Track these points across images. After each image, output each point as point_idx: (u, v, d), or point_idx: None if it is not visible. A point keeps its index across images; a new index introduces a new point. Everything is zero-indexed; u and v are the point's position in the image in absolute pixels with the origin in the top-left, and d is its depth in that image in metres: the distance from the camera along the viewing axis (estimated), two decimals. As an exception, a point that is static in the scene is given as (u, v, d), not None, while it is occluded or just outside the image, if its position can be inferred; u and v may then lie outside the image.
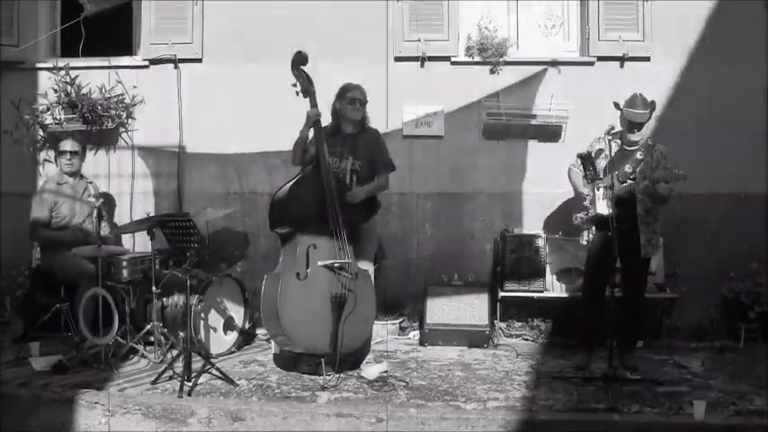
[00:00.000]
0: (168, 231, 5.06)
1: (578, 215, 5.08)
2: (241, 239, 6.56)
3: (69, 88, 6.33)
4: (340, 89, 5.10)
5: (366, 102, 5.10)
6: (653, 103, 4.94)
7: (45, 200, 5.65)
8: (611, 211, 4.66)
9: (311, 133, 4.94)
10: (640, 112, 4.88)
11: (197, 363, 4.64)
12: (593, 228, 5.01)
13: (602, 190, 4.84)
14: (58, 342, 5.36)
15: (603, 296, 4.98)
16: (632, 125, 4.91)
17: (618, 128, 5.04)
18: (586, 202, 4.99)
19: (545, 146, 6.32)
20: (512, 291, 5.87)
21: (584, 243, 5.11)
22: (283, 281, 4.65)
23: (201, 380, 4.60)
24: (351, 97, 5.04)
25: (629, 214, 4.82)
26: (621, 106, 4.94)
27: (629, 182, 4.86)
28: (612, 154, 4.94)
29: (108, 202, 6.35)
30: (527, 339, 6.00)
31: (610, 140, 4.96)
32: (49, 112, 6.39)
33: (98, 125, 6.36)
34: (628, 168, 4.89)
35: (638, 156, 4.93)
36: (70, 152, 5.75)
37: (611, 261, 4.78)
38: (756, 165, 6.12)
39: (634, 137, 4.94)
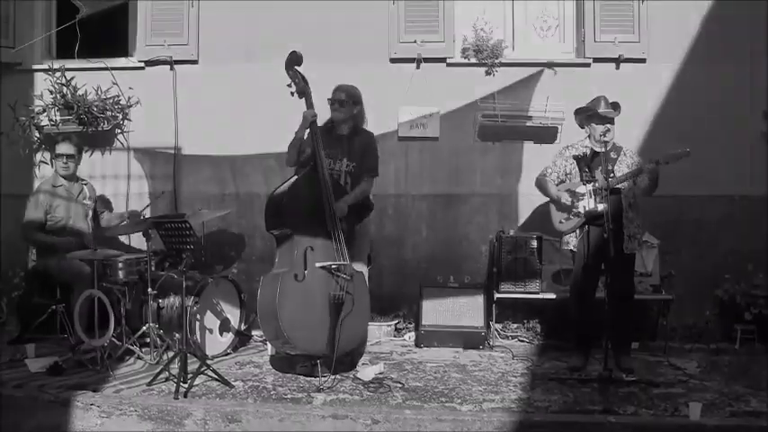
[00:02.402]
0: (164, 233, 5.05)
1: (561, 218, 5.11)
2: (237, 241, 6.56)
3: (65, 90, 6.34)
4: None
5: (347, 102, 5.05)
6: (617, 103, 5.03)
7: (40, 201, 5.61)
8: (606, 207, 4.70)
9: (306, 134, 4.93)
10: (612, 110, 4.96)
11: (193, 364, 4.63)
12: (578, 231, 5.03)
13: (592, 189, 4.93)
14: (53, 343, 5.35)
15: (593, 296, 5.01)
16: (606, 122, 4.94)
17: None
18: (565, 200, 5.02)
19: (541, 147, 6.31)
20: (507, 292, 5.87)
21: (572, 249, 5.13)
22: (281, 282, 4.64)
23: (197, 381, 4.59)
24: (331, 98, 5.05)
25: (613, 211, 4.84)
26: (595, 109, 5.00)
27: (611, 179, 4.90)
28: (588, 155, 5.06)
29: (104, 203, 6.33)
30: (523, 341, 6.00)
31: (601, 142, 4.97)
32: (45, 114, 6.39)
33: (94, 126, 6.36)
34: (609, 167, 4.91)
35: (612, 155, 4.99)
36: (66, 155, 5.71)
37: (599, 259, 4.81)
38: (754, 166, 6.13)
39: (606, 137, 4.94)
